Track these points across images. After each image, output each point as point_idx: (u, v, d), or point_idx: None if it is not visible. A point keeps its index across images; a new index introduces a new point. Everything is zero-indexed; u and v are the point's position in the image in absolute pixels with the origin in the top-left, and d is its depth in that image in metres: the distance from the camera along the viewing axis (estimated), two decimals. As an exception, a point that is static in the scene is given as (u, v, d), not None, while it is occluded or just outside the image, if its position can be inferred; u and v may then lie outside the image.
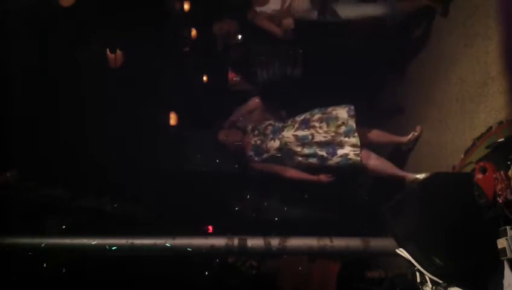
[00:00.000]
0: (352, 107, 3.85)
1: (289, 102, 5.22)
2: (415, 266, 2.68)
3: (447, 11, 3.63)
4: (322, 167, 3.88)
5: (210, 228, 5.44)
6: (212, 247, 3.21)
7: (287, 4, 4.01)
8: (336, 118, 3.84)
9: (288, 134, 3.91)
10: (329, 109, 3.92)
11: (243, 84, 5.44)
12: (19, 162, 3.83)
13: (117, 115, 4.50)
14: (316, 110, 3.97)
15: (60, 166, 4.13)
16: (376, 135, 3.99)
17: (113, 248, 3.21)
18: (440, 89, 3.70)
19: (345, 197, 5.36)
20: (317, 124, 3.86)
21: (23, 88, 3.91)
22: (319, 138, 3.82)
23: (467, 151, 3.15)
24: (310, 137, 3.84)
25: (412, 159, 4.08)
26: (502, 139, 2.64)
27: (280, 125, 4.04)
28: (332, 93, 4.96)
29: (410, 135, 4.01)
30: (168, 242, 3.20)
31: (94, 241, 3.21)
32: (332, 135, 3.79)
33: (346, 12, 3.88)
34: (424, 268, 2.64)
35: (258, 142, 4.03)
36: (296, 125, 3.93)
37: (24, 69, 3.95)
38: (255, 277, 4.69)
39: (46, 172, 4.01)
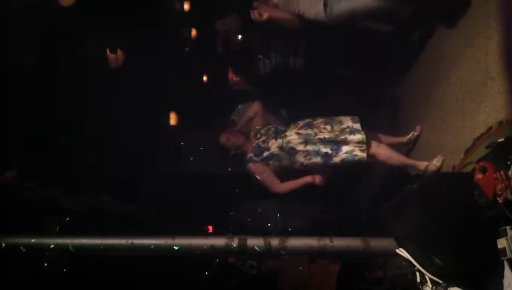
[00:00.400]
0: (357, 117, 3.82)
1: (290, 100, 5.23)
2: (415, 266, 2.68)
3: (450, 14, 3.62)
4: (325, 166, 3.78)
5: (210, 228, 5.44)
6: (212, 247, 3.21)
7: None
8: (340, 122, 3.82)
9: (291, 133, 3.87)
10: (333, 117, 3.90)
11: (243, 84, 5.45)
12: (19, 162, 3.83)
13: (117, 115, 4.50)
14: (319, 117, 3.95)
15: (59, 166, 4.13)
16: (378, 137, 3.96)
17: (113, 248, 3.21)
18: (440, 89, 3.70)
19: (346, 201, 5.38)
20: (321, 126, 3.83)
21: (23, 88, 3.91)
22: (322, 135, 3.76)
23: (467, 151, 3.15)
24: (313, 135, 3.78)
25: (412, 159, 4.07)
26: (502, 139, 2.64)
27: (283, 128, 4.02)
28: (332, 92, 4.97)
29: (410, 135, 4.02)
30: (168, 242, 3.20)
31: (94, 241, 3.21)
32: (337, 133, 3.74)
33: (350, 3, 3.82)
34: (424, 268, 2.64)
35: (260, 143, 4.01)
36: (299, 126, 3.91)
37: (24, 69, 3.95)
38: (255, 277, 4.69)
39: (46, 172, 4.01)
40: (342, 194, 5.17)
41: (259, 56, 4.70)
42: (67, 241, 3.25)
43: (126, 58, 4.57)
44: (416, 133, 3.98)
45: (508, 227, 2.25)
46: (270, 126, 4.11)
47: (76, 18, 4.08)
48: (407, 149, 4.07)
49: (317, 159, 3.75)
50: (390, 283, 3.97)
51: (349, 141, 3.69)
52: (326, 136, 3.74)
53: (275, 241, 3.24)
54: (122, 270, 4.06)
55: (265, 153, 3.92)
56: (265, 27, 4.24)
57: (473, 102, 3.20)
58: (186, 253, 3.28)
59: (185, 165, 5.52)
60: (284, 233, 3.89)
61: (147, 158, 5.16)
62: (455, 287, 2.53)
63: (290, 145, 3.82)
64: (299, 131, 3.85)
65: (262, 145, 3.97)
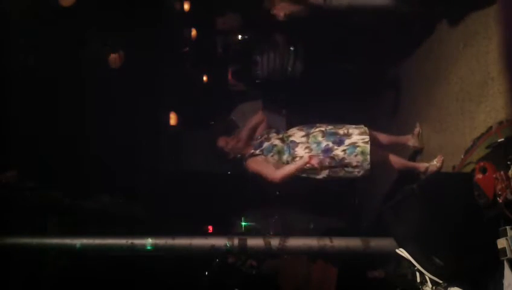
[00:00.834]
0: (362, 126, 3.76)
1: (290, 101, 5.24)
2: (415, 266, 2.68)
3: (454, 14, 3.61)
4: (326, 159, 3.62)
5: (210, 228, 5.45)
6: (212, 247, 3.21)
7: None
8: (343, 124, 3.79)
9: (293, 130, 3.85)
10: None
11: (243, 84, 5.45)
12: (19, 162, 3.83)
13: (117, 115, 4.50)
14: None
15: (59, 166, 4.13)
16: (379, 138, 3.93)
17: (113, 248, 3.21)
18: (440, 89, 3.70)
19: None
20: (323, 125, 3.80)
21: (23, 88, 3.91)
22: (324, 127, 3.69)
23: (467, 151, 3.15)
24: (315, 128, 3.72)
25: (412, 162, 4.07)
26: (502, 139, 2.65)
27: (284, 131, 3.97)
28: (332, 93, 4.98)
29: (413, 133, 4.00)
30: (168, 242, 3.20)
31: (94, 241, 3.21)
32: (340, 127, 3.68)
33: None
34: (424, 268, 2.64)
35: (261, 139, 3.93)
36: (301, 126, 3.87)
37: (24, 69, 3.95)
38: (255, 277, 4.69)
39: (46, 172, 4.01)
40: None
41: (259, 59, 4.71)
42: (67, 241, 3.25)
43: (126, 58, 4.56)
44: (418, 129, 3.97)
45: (508, 227, 2.25)
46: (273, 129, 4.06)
47: (76, 18, 4.08)
48: (410, 149, 4.05)
49: (318, 152, 3.62)
50: (390, 283, 3.97)
51: (351, 134, 3.62)
52: (328, 128, 3.68)
53: (274, 241, 3.24)
54: (122, 270, 4.06)
55: (265, 144, 3.78)
56: (265, 22, 4.22)
57: (473, 102, 3.20)
58: (186, 253, 3.28)
59: (185, 165, 5.52)
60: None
61: (147, 158, 5.16)
62: (455, 287, 2.53)
63: (291, 138, 3.75)
64: (300, 127, 3.82)
65: (262, 139, 3.87)
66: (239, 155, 3.88)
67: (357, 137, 3.61)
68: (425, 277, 2.64)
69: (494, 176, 2.34)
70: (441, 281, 2.58)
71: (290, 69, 4.68)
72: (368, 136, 3.60)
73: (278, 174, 3.63)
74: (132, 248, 3.19)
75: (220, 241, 3.24)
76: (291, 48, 4.68)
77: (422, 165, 3.68)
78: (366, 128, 3.65)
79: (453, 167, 3.35)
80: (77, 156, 4.25)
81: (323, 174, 3.65)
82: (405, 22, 4.07)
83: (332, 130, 3.67)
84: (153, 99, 5.16)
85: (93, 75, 4.36)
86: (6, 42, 3.78)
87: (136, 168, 4.92)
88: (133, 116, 4.74)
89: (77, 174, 4.27)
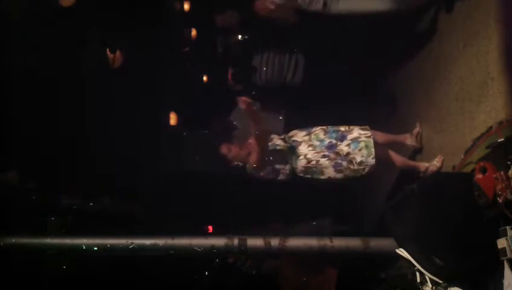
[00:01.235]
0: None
1: (290, 103, 5.24)
2: (415, 266, 2.68)
3: (452, 8, 3.61)
4: (332, 154, 3.60)
5: (210, 228, 5.45)
6: (212, 247, 3.20)
7: None
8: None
9: (293, 131, 3.83)
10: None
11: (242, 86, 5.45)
12: (19, 162, 3.83)
13: (117, 115, 4.50)
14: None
15: (59, 167, 4.13)
16: (380, 136, 3.93)
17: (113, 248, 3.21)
18: (440, 89, 3.70)
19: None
20: (324, 125, 3.80)
21: (23, 88, 3.91)
22: (325, 126, 3.70)
23: (467, 151, 3.15)
24: (316, 127, 3.73)
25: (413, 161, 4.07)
26: (502, 139, 2.65)
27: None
28: (332, 94, 4.98)
29: (413, 132, 4.00)
30: (168, 242, 3.20)
31: (94, 241, 3.21)
32: (340, 125, 3.70)
33: (350, 4, 3.82)
34: (424, 268, 2.64)
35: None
36: (301, 128, 3.86)
37: (24, 69, 3.95)
38: (255, 277, 4.68)
39: (46, 173, 4.01)
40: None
41: (258, 62, 4.71)
42: (67, 241, 3.25)
43: (126, 58, 4.57)
44: (418, 129, 3.97)
45: (508, 227, 2.25)
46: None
47: (76, 18, 4.08)
48: (410, 149, 4.05)
49: (323, 148, 3.59)
50: (390, 283, 3.97)
51: (351, 129, 3.63)
52: (329, 127, 3.69)
53: (274, 241, 3.24)
54: (122, 270, 4.06)
55: (268, 144, 3.77)
56: (265, 23, 4.21)
57: (473, 102, 3.20)
58: (186, 253, 3.28)
59: (184, 165, 5.52)
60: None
61: (147, 158, 5.16)
62: (455, 287, 2.53)
63: (293, 138, 3.75)
64: (301, 129, 3.81)
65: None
66: (241, 163, 3.85)
67: (359, 132, 3.61)
68: (425, 277, 2.64)
69: (494, 176, 2.34)
70: (441, 281, 2.58)
71: (289, 72, 4.69)
72: (369, 132, 3.61)
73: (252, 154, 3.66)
74: (132, 248, 3.19)
75: (220, 241, 3.24)
76: (291, 52, 4.69)
77: (422, 165, 3.68)
78: (367, 126, 3.66)
79: (453, 167, 3.35)
80: (77, 156, 4.25)
81: (327, 174, 3.62)
82: (404, 24, 4.08)
83: (334, 128, 3.68)
84: (152, 99, 5.16)
85: (93, 75, 4.36)
86: (6, 42, 3.78)
87: (136, 169, 4.92)
88: (133, 116, 4.74)
89: (77, 175, 4.27)
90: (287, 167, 3.66)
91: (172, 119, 5.47)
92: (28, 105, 3.91)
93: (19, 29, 3.84)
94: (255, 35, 4.90)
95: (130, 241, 3.19)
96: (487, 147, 2.78)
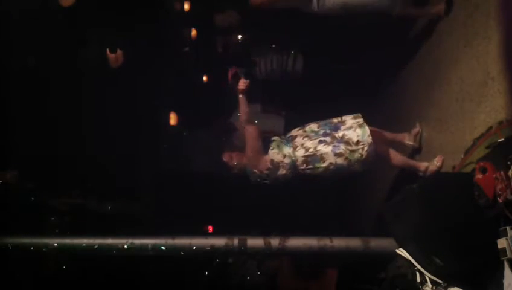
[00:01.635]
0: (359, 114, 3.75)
1: (289, 101, 5.24)
2: (415, 266, 2.68)
3: (450, 10, 3.62)
4: (326, 139, 3.58)
5: (210, 228, 5.45)
6: (212, 247, 3.20)
7: None
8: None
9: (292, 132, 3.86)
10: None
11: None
12: (19, 162, 3.83)
13: (117, 115, 4.50)
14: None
15: (59, 167, 4.13)
16: (380, 134, 3.92)
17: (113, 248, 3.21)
18: (440, 89, 3.70)
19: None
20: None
21: (23, 88, 3.91)
22: (318, 121, 3.73)
23: (467, 151, 3.15)
24: (309, 123, 3.76)
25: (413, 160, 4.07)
26: (502, 139, 2.65)
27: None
28: (332, 93, 4.98)
29: (412, 132, 3.99)
30: (168, 242, 3.20)
31: (94, 241, 3.21)
32: (333, 118, 3.72)
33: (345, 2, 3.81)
34: (424, 268, 2.64)
35: None
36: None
37: (24, 69, 3.95)
38: (255, 277, 4.68)
39: (46, 173, 4.01)
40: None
41: (257, 60, 4.71)
42: (67, 241, 3.25)
43: (126, 58, 4.57)
44: (417, 129, 3.96)
45: (508, 227, 2.25)
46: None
47: (76, 18, 4.09)
48: (410, 149, 4.05)
49: (318, 136, 3.61)
50: (390, 283, 3.97)
51: (344, 120, 3.65)
52: (321, 121, 3.72)
53: (275, 241, 3.24)
54: (121, 270, 4.06)
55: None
56: (263, 19, 4.20)
57: (473, 102, 3.20)
58: (187, 253, 3.28)
59: (184, 165, 5.52)
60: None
61: (147, 158, 5.17)
62: (455, 287, 2.53)
63: (288, 135, 3.78)
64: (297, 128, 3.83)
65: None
66: (242, 171, 3.81)
67: (352, 121, 3.62)
68: (425, 277, 2.64)
69: (494, 176, 2.35)
70: (441, 281, 2.58)
71: (289, 64, 4.69)
72: (361, 119, 3.60)
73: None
74: (132, 248, 3.19)
75: (220, 241, 3.24)
76: (290, 50, 4.69)
77: (422, 165, 3.68)
78: (358, 114, 3.65)
79: (453, 167, 3.35)
80: (77, 157, 4.25)
81: (328, 160, 3.55)
82: (402, 21, 4.08)
83: (326, 121, 3.70)
84: (152, 99, 5.16)
85: (93, 75, 4.36)
86: (7, 42, 3.78)
87: (136, 168, 4.92)
88: (133, 116, 4.74)
89: (77, 175, 4.27)
90: (286, 159, 3.64)
91: (172, 119, 5.47)
92: (28, 105, 3.91)
93: (19, 29, 3.85)
94: (254, 31, 4.90)
95: (130, 241, 3.19)
96: (487, 147, 2.78)
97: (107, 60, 4.48)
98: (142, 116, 4.95)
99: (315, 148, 3.57)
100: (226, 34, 4.95)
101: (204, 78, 5.70)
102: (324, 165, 3.57)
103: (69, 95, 4.19)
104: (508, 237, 2.23)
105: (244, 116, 3.71)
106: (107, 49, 4.51)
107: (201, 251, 3.24)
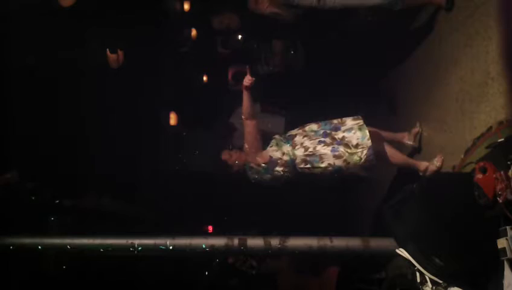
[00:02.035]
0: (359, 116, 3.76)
1: (290, 101, 5.24)
2: (415, 266, 2.69)
3: (453, 4, 3.59)
4: (326, 140, 3.58)
5: (210, 228, 5.45)
6: (212, 247, 3.20)
7: None
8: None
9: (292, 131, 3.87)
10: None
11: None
12: (19, 162, 3.83)
13: (117, 115, 4.50)
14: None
15: (59, 167, 4.13)
16: (380, 134, 3.91)
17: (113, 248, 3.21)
18: (440, 89, 3.70)
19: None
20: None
21: (23, 88, 3.91)
22: (318, 121, 3.73)
23: (467, 151, 3.15)
24: (309, 123, 3.76)
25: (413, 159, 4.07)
26: (502, 139, 2.65)
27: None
28: (331, 93, 4.98)
29: (413, 132, 3.99)
30: (168, 242, 3.19)
31: (94, 241, 3.20)
32: (333, 119, 3.72)
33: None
34: (424, 268, 2.64)
35: None
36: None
37: (24, 69, 3.95)
38: (255, 277, 4.69)
39: (46, 173, 4.01)
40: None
41: (258, 58, 4.72)
42: (67, 241, 3.25)
43: (126, 58, 4.56)
44: (417, 129, 3.96)
45: (508, 227, 2.25)
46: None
47: (76, 18, 4.08)
48: (410, 149, 4.06)
49: (318, 136, 3.60)
50: (390, 283, 3.97)
51: (344, 121, 3.65)
52: (321, 121, 3.71)
53: (274, 241, 3.24)
54: (121, 270, 4.06)
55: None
56: (261, 20, 4.21)
57: (473, 102, 3.20)
58: (187, 253, 3.28)
59: (184, 165, 5.52)
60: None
61: (147, 158, 5.16)
62: (455, 287, 2.53)
63: (288, 133, 3.78)
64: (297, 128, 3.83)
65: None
66: (241, 169, 3.81)
67: (352, 122, 3.61)
68: (425, 277, 2.64)
69: (494, 176, 2.35)
70: (441, 281, 2.58)
71: (289, 58, 4.70)
72: (361, 121, 3.60)
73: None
74: (132, 248, 3.19)
75: (220, 241, 3.24)
76: (290, 50, 4.69)
77: (422, 165, 3.68)
78: (359, 117, 3.64)
79: (453, 167, 3.35)
80: (77, 157, 4.25)
81: (327, 160, 3.55)
82: (402, 20, 4.08)
83: (326, 121, 3.70)
84: (152, 99, 5.16)
85: (93, 75, 4.36)
86: (7, 42, 3.78)
87: (136, 168, 4.92)
88: (133, 116, 4.74)
89: (77, 175, 4.27)
90: (284, 157, 3.64)
91: (172, 119, 5.47)
92: (27, 105, 3.91)
93: (19, 29, 3.85)
94: (253, 34, 4.91)
95: (130, 241, 3.19)
96: (487, 147, 2.78)
97: (107, 60, 4.48)
98: (142, 116, 4.95)
99: (314, 148, 3.57)
100: (225, 35, 4.95)
101: (205, 78, 5.70)
102: (323, 165, 3.56)
103: (69, 95, 4.19)
104: (508, 237, 2.23)
105: (247, 110, 3.71)
106: (107, 49, 4.51)
107: (201, 251, 3.24)
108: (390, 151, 3.72)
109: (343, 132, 3.58)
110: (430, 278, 2.62)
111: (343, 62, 4.87)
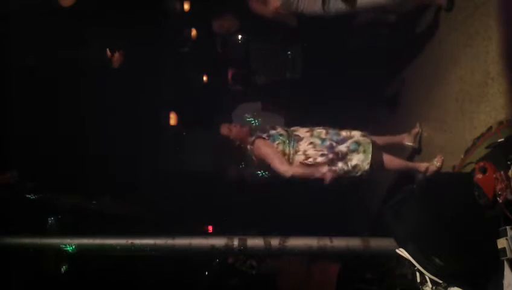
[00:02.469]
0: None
1: (288, 100, 5.25)
2: (415, 266, 2.68)
3: (453, 4, 3.60)
4: (330, 154, 3.61)
5: (210, 228, 5.45)
6: (212, 247, 3.20)
7: None
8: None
9: (296, 127, 3.83)
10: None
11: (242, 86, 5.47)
12: (19, 162, 3.83)
13: (117, 114, 4.50)
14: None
15: (59, 167, 4.13)
16: (378, 140, 3.91)
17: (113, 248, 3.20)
18: (440, 89, 3.70)
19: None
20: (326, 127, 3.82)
21: (23, 88, 3.91)
22: (328, 128, 3.72)
23: (467, 151, 3.15)
24: (318, 127, 3.74)
25: (412, 162, 4.07)
26: (502, 139, 2.65)
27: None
28: (331, 94, 4.98)
29: (413, 132, 3.99)
30: (168, 242, 3.19)
31: (94, 241, 3.20)
32: (342, 130, 3.71)
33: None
34: (424, 268, 2.64)
35: (266, 128, 3.85)
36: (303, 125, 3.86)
37: (24, 69, 3.95)
38: (255, 277, 4.69)
39: (46, 173, 4.01)
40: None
41: (257, 61, 4.72)
42: (67, 241, 3.25)
43: (125, 58, 4.57)
44: (417, 129, 3.96)
45: (508, 227, 2.25)
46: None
47: (76, 18, 4.08)
48: (410, 149, 4.05)
49: (322, 148, 3.60)
50: (390, 283, 3.97)
51: (353, 135, 3.66)
52: (331, 129, 3.70)
53: (274, 241, 3.24)
54: (121, 270, 4.06)
55: (272, 132, 3.74)
56: (263, 23, 4.20)
57: (473, 102, 3.20)
58: (187, 253, 3.28)
59: (184, 165, 5.53)
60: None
61: (147, 158, 5.16)
62: (455, 287, 2.53)
63: (295, 132, 3.74)
64: (303, 126, 3.82)
65: (268, 127, 3.83)
66: (243, 143, 3.77)
67: (359, 138, 3.64)
68: (425, 277, 2.64)
69: (494, 176, 2.34)
70: (441, 281, 2.58)
71: (288, 70, 4.70)
72: (369, 140, 3.63)
73: (290, 170, 3.57)
74: (132, 248, 3.19)
75: (220, 241, 3.23)
76: (289, 50, 4.70)
77: (422, 165, 3.68)
78: (366, 133, 3.68)
79: (453, 167, 3.35)
80: (77, 156, 4.25)
81: (322, 172, 3.59)
82: (404, 22, 4.08)
83: (335, 131, 3.69)
84: (152, 99, 5.16)
85: (93, 75, 4.36)
86: (7, 42, 3.78)
87: (136, 168, 4.92)
88: (133, 116, 4.74)
89: (77, 175, 4.27)
90: (285, 157, 3.64)
91: (172, 119, 5.48)
92: (27, 105, 3.91)
93: (19, 29, 3.85)
94: (253, 35, 4.91)
95: (130, 241, 3.19)
96: (487, 147, 2.78)
97: (107, 60, 4.48)
98: (142, 116, 4.95)
99: (314, 159, 3.60)
100: (225, 38, 4.96)
101: (205, 78, 5.70)
102: (317, 175, 3.61)
103: (69, 95, 4.19)
104: (508, 237, 2.23)
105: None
106: (107, 49, 4.51)
107: (201, 251, 3.24)
108: (388, 159, 3.72)
109: (348, 147, 3.58)
110: (430, 278, 2.61)
111: (343, 63, 4.88)
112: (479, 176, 2.41)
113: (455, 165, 3.31)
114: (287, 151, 3.65)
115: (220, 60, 5.45)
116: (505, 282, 2.26)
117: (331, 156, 3.58)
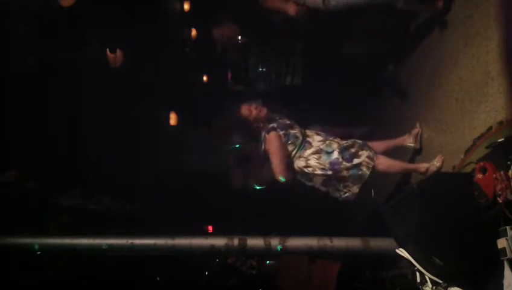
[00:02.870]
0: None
1: (289, 101, 5.24)
2: (415, 266, 2.68)
3: (449, 10, 3.60)
4: (329, 170, 3.63)
5: (210, 228, 5.45)
6: (212, 247, 3.21)
7: None
8: (357, 141, 3.80)
9: (312, 131, 3.85)
10: None
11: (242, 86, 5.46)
12: (19, 162, 3.83)
13: (117, 114, 4.50)
14: None
15: (59, 166, 4.13)
16: (380, 145, 3.91)
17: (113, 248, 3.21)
18: (440, 89, 3.70)
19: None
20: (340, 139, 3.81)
21: (23, 88, 3.91)
22: (341, 141, 3.73)
23: (467, 151, 3.15)
24: (333, 138, 3.75)
25: (412, 164, 4.06)
26: (502, 139, 2.65)
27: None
28: (331, 94, 4.98)
29: (413, 133, 3.99)
30: (168, 242, 3.20)
31: (94, 241, 3.21)
32: (353, 144, 3.70)
33: None
34: (424, 268, 2.64)
35: (287, 121, 3.89)
36: (319, 131, 3.86)
37: (24, 69, 3.95)
38: (255, 277, 4.69)
39: (46, 172, 4.01)
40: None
41: (258, 70, 4.73)
42: (67, 241, 3.25)
43: (125, 58, 4.57)
44: (417, 129, 3.96)
45: (508, 227, 2.25)
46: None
47: (76, 18, 4.09)
48: (411, 149, 4.04)
49: (325, 162, 3.63)
50: (390, 283, 3.97)
51: (360, 155, 3.65)
52: (344, 142, 3.71)
53: (274, 241, 3.24)
54: (121, 270, 4.06)
55: (290, 131, 3.76)
56: (263, 26, 4.20)
57: (473, 102, 3.20)
58: (186, 253, 3.28)
59: (184, 165, 5.52)
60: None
61: (147, 158, 5.17)
62: (455, 287, 2.53)
63: (308, 138, 3.76)
64: (319, 132, 3.83)
65: (288, 123, 3.85)
66: (260, 124, 3.81)
67: (364, 159, 3.63)
68: (425, 277, 2.64)
69: (494, 176, 2.35)
70: (441, 281, 2.58)
71: (288, 76, 4.71)
72: (373, 163, 3.63)
73: (283, 175, 3.60)
74: (132, 248, 3.19)
75: (220, 241, 3.24)
76: (289, 55, 4.71)
77: (422, 166, 3.68)
78: (374, 154, 3.66)
79: (453, 167, 3.35)
80: (77, 156, 4.25)
81: (314, 183, 3.70)
82: (404, 20, 4.07)
83: (347, 145, 3.69)
84: (152, 99, 5.16)
85: (93, 75, 4.36)
86: (7, 42, 3.78)
87: (136, 168, 4.92)
88: (133, 116, 4.74)
89: (77, 174, 4.27)
90: (288, 158, 3.68)
91: (172, 119, 5.48)
92: (28, 105, 3.91)
93: (19, 29, 3.85)
94: (253, 40, 4.91)
95: (130, 241, 3.19)
96: (487, 147, 2.78)
97: (107, 60, 4.49)
98: (141, 116, 4.95)
99: (314, 170, 3.65)
100: (225, 46, 4.95)
101: (205, 78, 5.70)
102: (309, 183, 3.73)
103: (69, 94, 4.19)
104: (508, 237, 2.23)
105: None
106: (107, 49, 4.51)
107: (201, 251, 3.24)
108: (389, 164, 3.72)
109: (349, 171, 3.61)
110: (430, 278, 2.62)
111: (343, 63, 4.87)
112: (479, 176, 2.41)
113: (455, 165, 3.31)
114: (293, 152, 3.71)
115: (220, 59, 5.45)
116: (505, 282, 2.26)
117: (329, 173, 3.62)
